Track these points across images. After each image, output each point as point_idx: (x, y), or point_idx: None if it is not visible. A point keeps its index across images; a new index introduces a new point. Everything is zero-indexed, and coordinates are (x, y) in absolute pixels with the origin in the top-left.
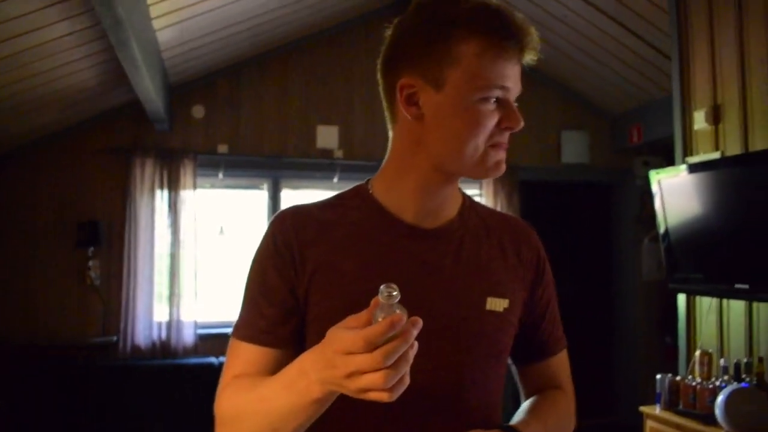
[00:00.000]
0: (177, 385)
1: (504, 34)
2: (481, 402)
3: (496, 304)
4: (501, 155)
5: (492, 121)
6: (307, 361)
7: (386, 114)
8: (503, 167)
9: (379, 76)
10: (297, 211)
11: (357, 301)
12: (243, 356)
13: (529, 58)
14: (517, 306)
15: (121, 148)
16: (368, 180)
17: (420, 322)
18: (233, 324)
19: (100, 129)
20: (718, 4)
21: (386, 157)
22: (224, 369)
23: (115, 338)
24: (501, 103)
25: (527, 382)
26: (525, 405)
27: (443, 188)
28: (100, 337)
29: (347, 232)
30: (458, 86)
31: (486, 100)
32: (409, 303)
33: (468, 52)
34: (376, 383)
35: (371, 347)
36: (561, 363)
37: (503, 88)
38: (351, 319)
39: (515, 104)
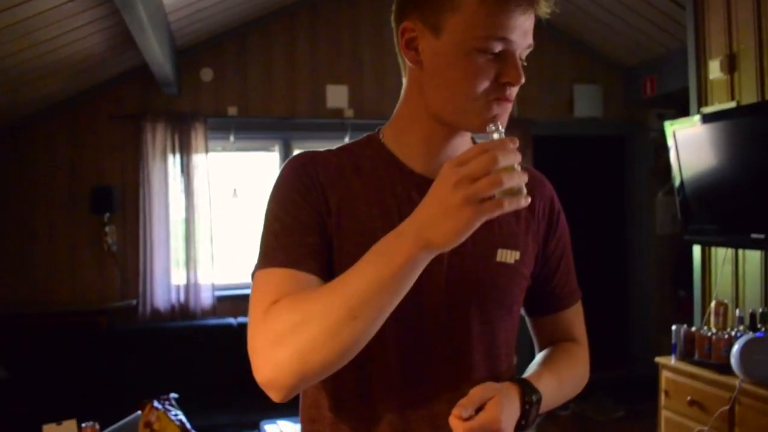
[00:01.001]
0: (197, 346)
1: None
2: (489, 353)
3: (507, 256)
4: (499, 110)
5: (489, 75)
6: (405, 221)
7: (399, 61)
8: (503, 125)
9: (392, 19)
10: (312, 154)
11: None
12: (281, 282)
13: (543, 11)
14: (529, 258)
15: (132, 113)
16: (379, 129)
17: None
18: (253, 270)
19: (109, 95)
20: None
21: (397, 104)
22: (254, 303)
23: (134, 302)
24: (502, 55)
25: (541, 333)
26: (538, 357)
27: (450, 139)
28: (119, 302)
29: (362, 180)
30: (456, 33)
31: (484, 51)
32: None
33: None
34: (491, 183)
35: (489, 166)
36: (575, 315)
37: (505, 40)
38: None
39: (521, 59)
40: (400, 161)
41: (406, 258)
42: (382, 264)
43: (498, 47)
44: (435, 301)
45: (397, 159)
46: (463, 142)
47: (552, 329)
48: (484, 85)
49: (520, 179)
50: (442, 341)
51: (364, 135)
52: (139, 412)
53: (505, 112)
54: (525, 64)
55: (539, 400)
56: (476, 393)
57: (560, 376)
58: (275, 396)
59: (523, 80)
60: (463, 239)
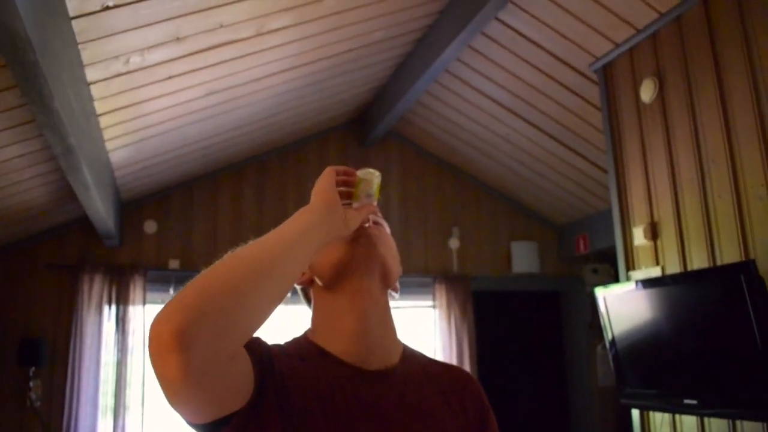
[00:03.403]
0: None
1: None
2: None
3: None
4: (370, 239)
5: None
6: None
7: None
8: (376, 242)
9: None
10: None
11: None
12: None
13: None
14: None
15: (70, 263)
16: (307, 330)
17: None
18: None
19: (48, 244)
20: (647, 126)
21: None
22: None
23: None
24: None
25: None
26: None
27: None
28: None
29: (297, 371)
30: None
31: None
32: None
33: None
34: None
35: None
36: None
37: None
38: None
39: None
40: (328, 353)
41: (316, 220)
42: (305, 215)
43: None
44: None
45: (324, 351)
46: (387, 326)
47: None
48: (349, 252)
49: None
50: None
51: (293, 338)
52: None
53: (376, 233)
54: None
55: None
56: None
57: None
58: (175, 365)
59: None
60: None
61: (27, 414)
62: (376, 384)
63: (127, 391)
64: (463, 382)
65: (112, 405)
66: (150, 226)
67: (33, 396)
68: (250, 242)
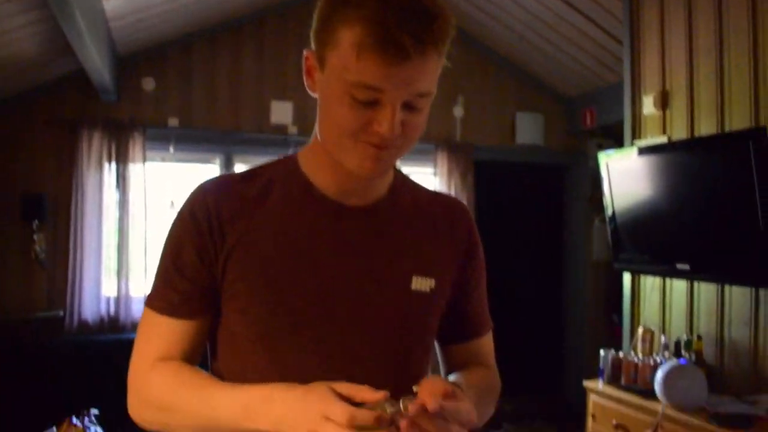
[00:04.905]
0: (125, 360)
1: (392, 25)
2: (401, 384)
3: (422, 284)
4: (371, 155)
5: (361, 118)
6: (278, 393)
7: None
8: (374, 169)
9: None
10: (218, 184)
11: (275, 279)
12: (160, 331)
13: (438, 51)
14: (444, 286)
15: (68, 119)
16: (299, 151)
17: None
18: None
19: (45, 99)
20: None
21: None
22: (141, 340)
23: (61, 313)
24: (375, 103)
25: (450, 361)
26: (452, 376)
27: None
28: (45, 312)
29: (270, 207)
30: (334, 70)
31: (353, 95)
32: (331, 283)
33: (346, 38)
34: None
35: (351, 425)
36: (486, 345)
37: (374, 89)
38: (348, 387)
39: (412, 106)
40: (313, 185)
41: (261, 427)
42: (243, 416)
43: (367, 95)
44: (344, 328)
45: (309, 182)
46: None
47: (462, 358)
48: (355, 126)
49: None
50: (349, 369)
51: (283, 157)
52: (54, 428)
53: (381, 159)
54: (418, 107)
55: None
56: (443, 386)
57: (479, 396)
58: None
59: (390, 135)
60: None
61: (32, 267)
62: (359, 219)
63: (130, 247)
64: (455, 213)
65: (116, 263)
66: (148, 83)
67: (37, 249)
68: (214, 407)
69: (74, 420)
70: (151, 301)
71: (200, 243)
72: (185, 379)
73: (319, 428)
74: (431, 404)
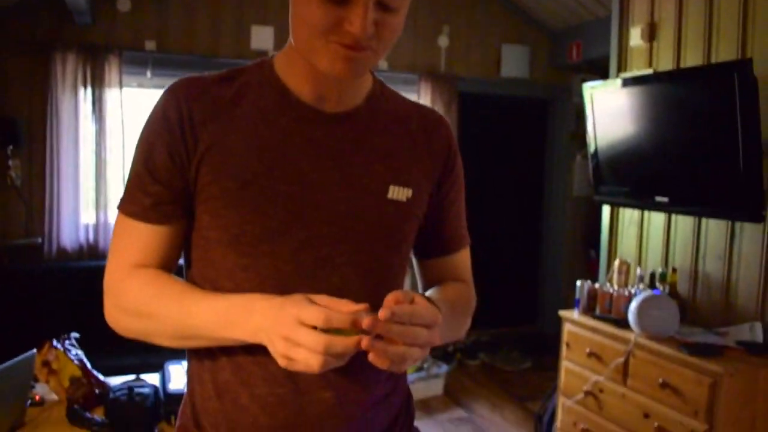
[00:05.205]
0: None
1: None
2: (375, 293)
3: (399, 193)
4: (342, 56)
5: (329, 17)
6: (257, 302)
7: None
8: (346, 71)
9: None
10: (191, 84)
11: (249, 183)
12: (134, 237)
13: None
14: (421, 197)
15: (41, 41)
16: (274, 54)
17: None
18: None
19: (17, 22)
20: None
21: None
22: (115, 247)
23: (39, 240)
24: (348, 1)
25: (427, 276)
26: (428, 291)
27: None
28: (23, 239)
29: (244, 110)
30: None
31: None
32: (306, 189)
33: None
34: (306, 362)
35: (327, 326)
36: (463, 259)
37: None
38: (327, 299)
39: (386, 6)
40: (289, 90)
41: (238, 336)
42: (222, 325)
43: None
44: (319, 234)
45: (285, 87)
46: None
47: (439, 272)
48: (325, 25)
49: (342, 362)
50: (326, 276)
51: (258, 60)
52: (34, 350)
53: (354, 60)
54: (392, 7)
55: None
56: (394, 294)
57: (453, 309)
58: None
59: (361, 33)
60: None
61: (8, 192)
62: (335, 125)
63: (108, 175)
64: (433, 123)
65: (94, 192)
66: (124, 4)
67: (13, 175)
68: (191, 314)
69: (55, 343)
70: (124, 205)
71: (172, 144)
72: (162, 286)
73: (292, 333)
74: (381, 313)
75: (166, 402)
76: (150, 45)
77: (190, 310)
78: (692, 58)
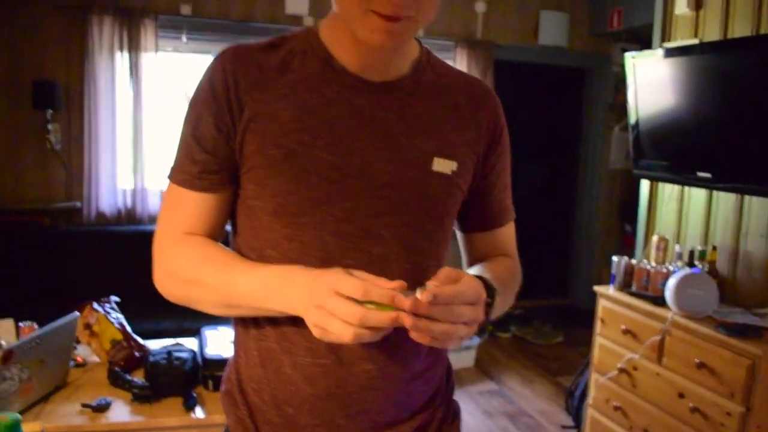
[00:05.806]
0: (142, 251)
1: None
2: (417, 265)
3: (444, 166)
4: (379, 26)
5: None
6: (296, 274)
7: None
8: (384, 41)
9: None
10: (238, 53)
11: (294, 152)
12: (182, 205)
13: None
14: (466, 170)
15: (77, 5)
16: (321, 21)
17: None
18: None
19: None
20: None
21: None
22: (164, 213)
23: (79, 204)
24: None
25: (473, 251)
26: (476, 267)
27: None
28: (64, 203)
29: (289, 79)
30: None
31: None
32: (350, 159)
33: None
34: (339, 332)
35: (365, 298)
36: (508, 234)
37: None
38: (366, 275)
39: None
40: (334, 58)
41: (277, 308)
42: (263, 295)
43: None
44: (363, 206)
45: (330, 56)
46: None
47: (485, 247)
48: None
49: (377, 336)
50: (368, 247)
51: (304, 27)
52: (77, 313)
53: (391, 32)
54: None
55: (494, 301)
56: (445, 272)
57: (505, 286)
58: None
59: (406, 1)
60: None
61: (48, 156)
62: (381, 95)
63: (144, 141)
64: (482, 96)
65: (132, 158)
66: None
67: (52, 139)
68: (235, 283)
69: (96, 306)
70: (173, 173)
71: (218, 114)
72: (209, 254)
73: (327, 303)
74: (423, 295)
75: (203, 366)
76: (185, 9)
77: (234, 280)
78: (741, 29)
